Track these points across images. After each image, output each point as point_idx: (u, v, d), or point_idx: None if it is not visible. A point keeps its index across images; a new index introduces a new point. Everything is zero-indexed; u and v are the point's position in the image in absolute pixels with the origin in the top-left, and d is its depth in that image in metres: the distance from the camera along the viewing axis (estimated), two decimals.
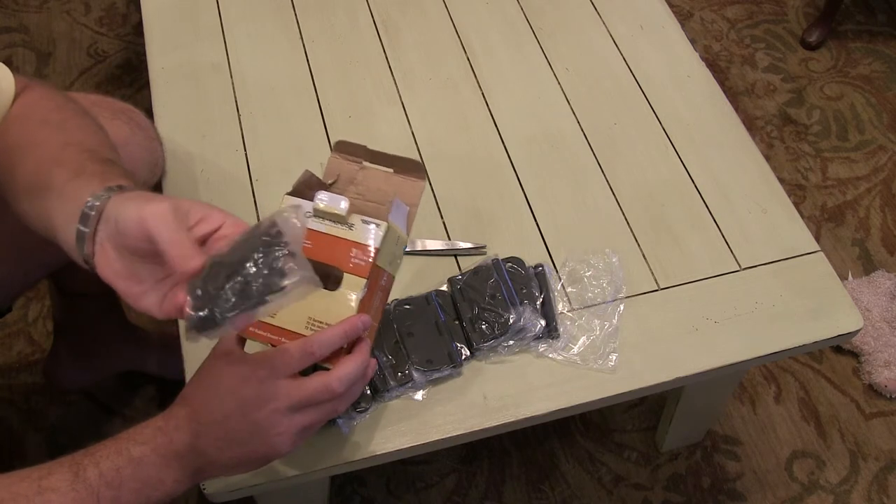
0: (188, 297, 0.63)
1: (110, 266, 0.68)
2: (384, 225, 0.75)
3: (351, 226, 0.75)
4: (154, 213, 0.65)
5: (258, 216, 1.02)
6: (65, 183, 0.71)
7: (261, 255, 0.62)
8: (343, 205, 0.74)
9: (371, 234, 0.74)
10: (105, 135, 0.82)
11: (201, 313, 0.62)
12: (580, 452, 1.39)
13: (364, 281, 0.73)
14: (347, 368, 0.70)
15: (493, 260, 0.97)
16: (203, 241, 0.68)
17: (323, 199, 0.74)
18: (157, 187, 1.04)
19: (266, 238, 0.63)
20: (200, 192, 1.03)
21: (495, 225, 1.02)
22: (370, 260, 0.74)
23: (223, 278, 0.62)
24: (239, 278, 0.62)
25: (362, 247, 0.74)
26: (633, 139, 1.11)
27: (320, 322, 0.72)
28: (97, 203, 0.68)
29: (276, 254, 0.62)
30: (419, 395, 0.89)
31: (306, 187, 0.78)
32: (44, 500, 0.63)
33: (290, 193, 0.77)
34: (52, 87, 0.85)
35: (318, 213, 0.75)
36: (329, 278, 0.73)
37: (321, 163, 1.00)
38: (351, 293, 0.73)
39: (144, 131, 1.02)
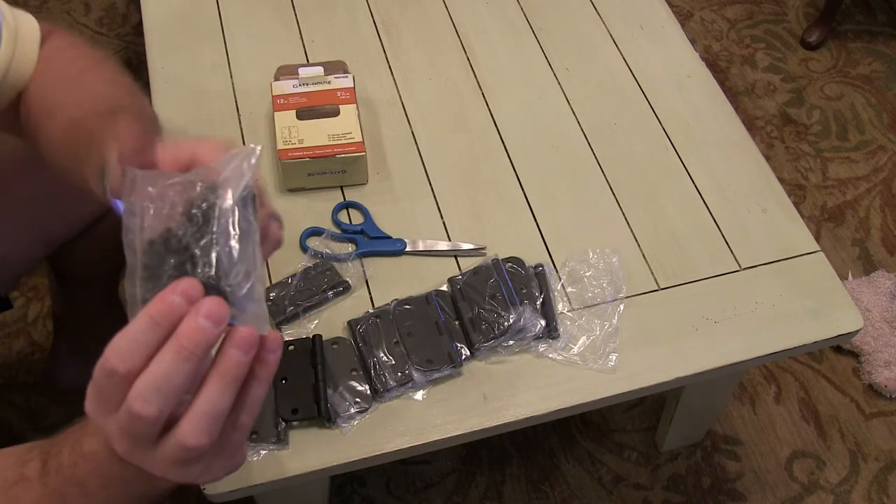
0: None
1: None
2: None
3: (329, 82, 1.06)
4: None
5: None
6: (86, 155, 0.68)
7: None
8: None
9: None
10: (123, 79, 0.78)
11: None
12: (580, 452, 1.39)
13: (354, 105, 1.04)
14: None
15: (493, 260, 0.97)
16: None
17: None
18: None
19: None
20: None
21: (495, 225, 1.02)
22: (353, 93, 1.05)
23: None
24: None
25: (344, 89, 1.06)
26: (633, 139, 1.11)
27: (339, 134, 1.01)
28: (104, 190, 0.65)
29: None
30: (419, 395, 0.89)
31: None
32: (15, 493, 0.56)
33: None
34: (74, 35, 0.83)
35: (303, 82, 1.05)
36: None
37: None
38: (350, 111, 1.03)
39: None
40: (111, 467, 0.53)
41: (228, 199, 0.50)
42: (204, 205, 0.50)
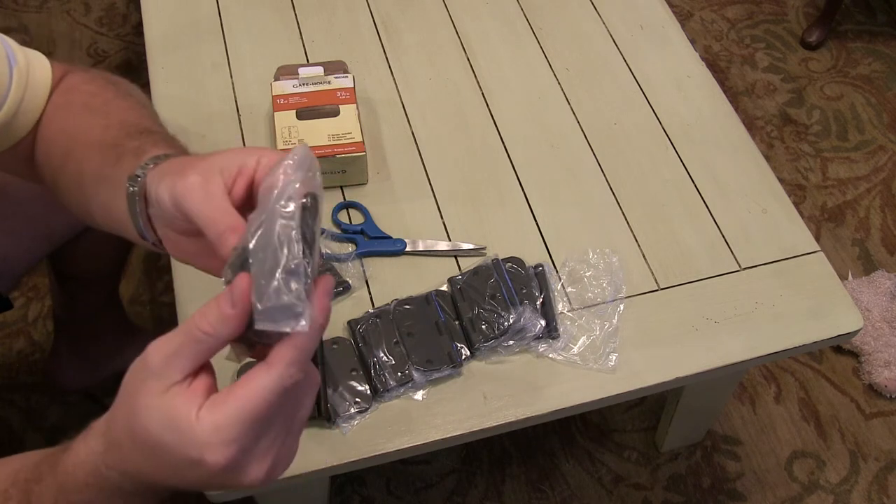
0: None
1: (181, 249, 0.62)
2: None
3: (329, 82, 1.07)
4: (185, 189, 0.56)
5: None
6: (112, 170, 0.66)
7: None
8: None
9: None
10: (150, 109, 0.77)
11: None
12: (580, 452, 1.40)
13: (354, 105, 1.05)
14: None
15: (493, 260, 0.97)
16: (249, 195, 0.58)
17: None
18: None
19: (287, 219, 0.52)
20: None
21: (495, 225, 1.02)
22: (353, 93, 1.05)
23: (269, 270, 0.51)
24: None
25: (344, 89, 1.06)
26: (633, 139, 1.11)
27: (339, 134, 1.01)
28: (135, 187, 0.62)
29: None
30: (419, 395, 0.89)
31: None
32: None
33: None
34: (93, 69, 0.81)
35: (303, 82, 1.06)
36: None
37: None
38: (350, 111, 1.04)
39: None
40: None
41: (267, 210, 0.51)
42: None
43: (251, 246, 0.50)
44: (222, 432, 0.48)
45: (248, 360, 0.54)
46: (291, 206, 0.50)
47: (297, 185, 0.51)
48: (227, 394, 0.49)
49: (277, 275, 0.49)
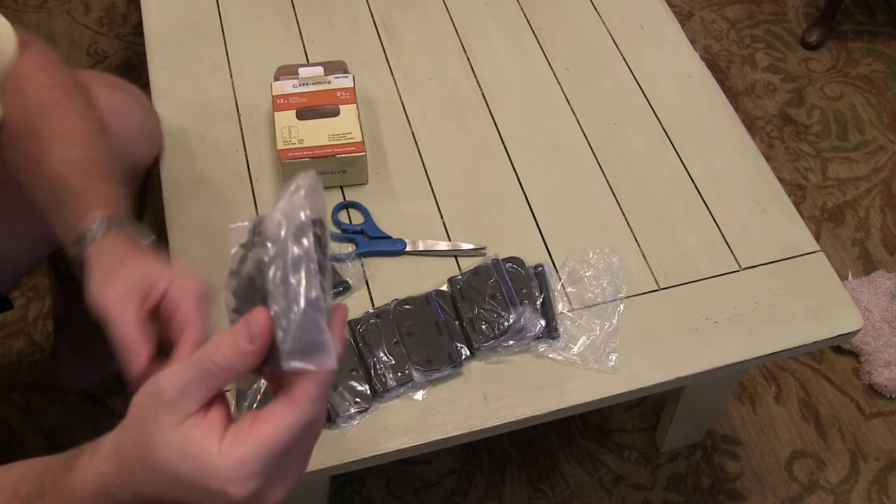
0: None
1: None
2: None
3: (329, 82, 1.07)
4: (106, 307, 0.65)
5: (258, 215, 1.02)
6: (53, 202, 0.74)
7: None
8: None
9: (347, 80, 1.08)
10: (94, 115, 0.82)
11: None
12: (580, 452, 1.39)
13: (354, 105, 1.04)
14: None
15: (493, 260, 0.97)
16: (159, 310, 0.65)
17: None
18: (157, 177, 1.04)
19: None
20: (201, 192, 1.03)
21: (495, 225, 1.02)
22: (353, 93, 1.06)
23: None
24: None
25: (344, 89, 1.06)
26: (633, 139, 1.11)
27: (339, 134, 1.01)
28: (78, 249, 0.71)
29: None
30: (419, 395, 0.89)
31: None
32: None
33: None
34: (49, 51, 0.83)
35: (303, 82, 1.06)
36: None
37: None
38: (350, 111, 1.04)
39: (141, 102, 1.04)
40: None
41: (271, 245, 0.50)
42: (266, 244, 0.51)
43: (268, 282, 0.48)
44: (247, 468, 0.48)
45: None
46: (305, 241, 0.49)
47: (308, 213, 0.50)
48: (249, 429, 0.48)
49: (300, 310, 0.48)
